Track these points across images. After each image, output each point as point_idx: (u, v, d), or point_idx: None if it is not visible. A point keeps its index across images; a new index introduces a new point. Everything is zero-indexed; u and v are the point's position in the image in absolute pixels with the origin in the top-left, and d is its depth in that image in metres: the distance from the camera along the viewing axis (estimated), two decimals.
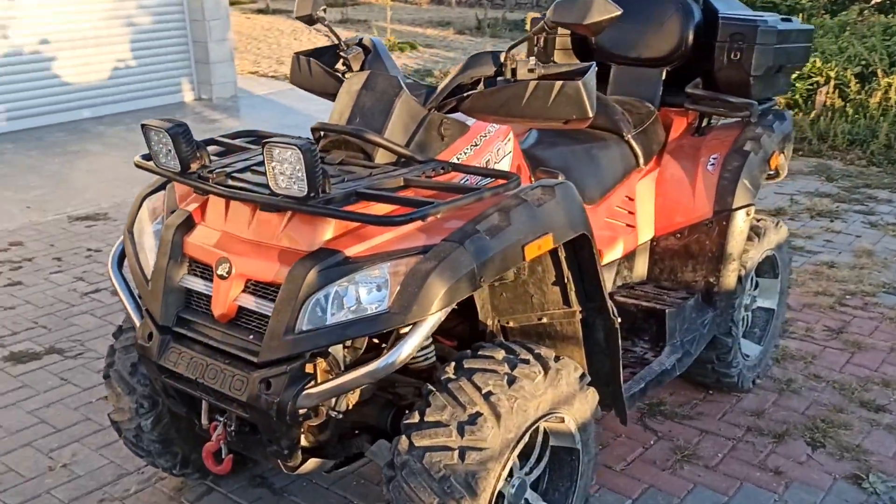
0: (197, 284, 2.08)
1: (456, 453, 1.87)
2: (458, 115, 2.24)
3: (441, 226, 1.91)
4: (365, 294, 1.86)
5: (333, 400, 2.00)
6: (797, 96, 7.62)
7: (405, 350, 1.85)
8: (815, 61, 7.67)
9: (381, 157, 2.11)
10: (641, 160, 2.99)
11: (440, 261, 1.82)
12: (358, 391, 2.08)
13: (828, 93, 7.44)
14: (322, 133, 2.19)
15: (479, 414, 1.90)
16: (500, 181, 2.05)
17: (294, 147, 1.78)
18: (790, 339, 3.74)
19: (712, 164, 2.98)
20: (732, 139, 3.06)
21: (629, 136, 2.96)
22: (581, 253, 2.18)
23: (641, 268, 3.04)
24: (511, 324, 2.32)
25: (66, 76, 7.96)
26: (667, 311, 2.79)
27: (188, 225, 2.10)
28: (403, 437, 1.94)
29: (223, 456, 2.16)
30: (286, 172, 1.82)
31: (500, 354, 2.02)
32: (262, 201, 1.91)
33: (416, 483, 1.88)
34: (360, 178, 1.99)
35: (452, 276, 1.82)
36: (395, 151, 2.10)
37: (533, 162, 2.62)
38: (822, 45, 8.34)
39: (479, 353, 2.05)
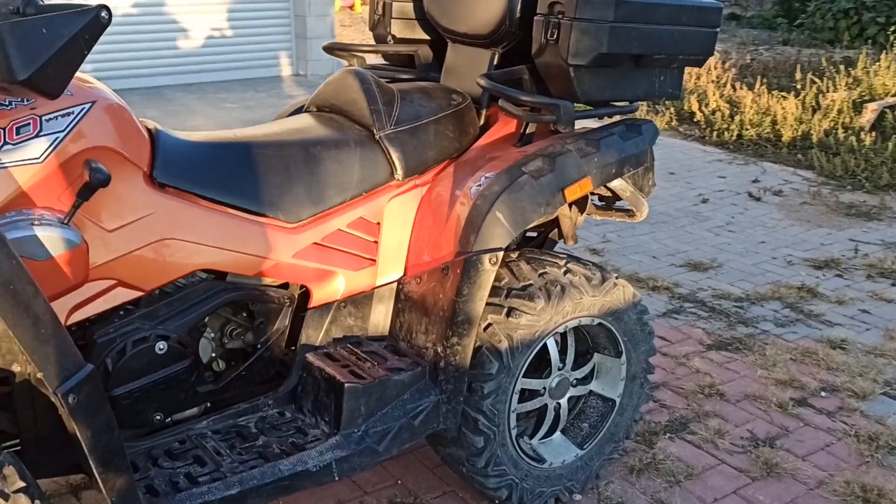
0: None
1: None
2: None
3: None
4: None
5: None
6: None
7: None
8: None
9: None
10: (399, 172, 2.17)
11: None
12: None
13: None
14: None
15: (531, 285, 2.14)
16: None
17: None
18: (680, 439, 2.71)
19: (478, 187, 2.10)
20: (525, 154, 2.16)
21: (381, 134, 2.16)
22: None
23: (380, 318, 2.22)
24: None
25: (162, 42, 7.99)
26: (346, 385, 1.98)
27: None
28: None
29: None
30: None
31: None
32: None
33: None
34: None
35: None
36: None
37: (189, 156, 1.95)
38: None
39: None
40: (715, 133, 6.64)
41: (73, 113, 1.75)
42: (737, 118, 6.67)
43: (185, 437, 1.97)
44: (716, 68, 8.00)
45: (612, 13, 2.08)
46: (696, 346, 3.37)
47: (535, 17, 2.16)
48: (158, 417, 1.94)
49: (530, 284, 2.16)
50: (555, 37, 2.11)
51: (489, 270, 2.02)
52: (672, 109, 7.04)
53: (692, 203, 5.24)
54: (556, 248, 2.68)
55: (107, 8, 1.70)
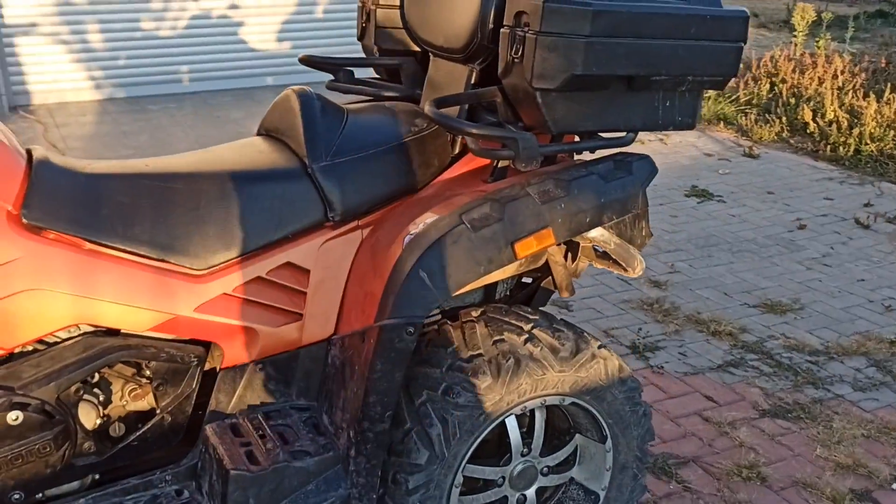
0: None
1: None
2: None
3: None
4: None
5: None
6: None
7: None
8: None
9: None
10: (334, 211, 1.83)
11: None
12: None
13: None
14: None
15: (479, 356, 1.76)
16: None
17: None
18: None
19: (410, 237, 1.73)
20: (480, 195, 1.77)
21: (314, 167, 1.83)
22: None
23: (308, 382, 1.88)
24: None
25: (255, 43, 7.94)
26: (231, 472, 1.65)
27: None
28: None
29: None
30: None
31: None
32: None
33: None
34: None
35: None
36: None
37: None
38: None
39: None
40: (829, 147, 5.93)
41: None
42: (856, 130, 5.92)
43: None
44: (842, 73, 7.20)
45: (587, 26, 1.66)
46: (748, 412, 2.86)
47: (501, 30, 1.77)
48: (17, 496, 1.68)
49: (478, 355, 1.77)
50: (519, 54, 1.72)
51: (406, 343, 1.65)
52: (784, 119, 6.35)
53: (786, 229, 4.62)
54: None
55: None
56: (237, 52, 7.96)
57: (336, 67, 2.35)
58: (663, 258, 4.16)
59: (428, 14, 2.08)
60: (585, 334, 1.93)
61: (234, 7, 7.82)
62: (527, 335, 1.81)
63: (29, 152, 1.76)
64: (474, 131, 1.73)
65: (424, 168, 1.94)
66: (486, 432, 1.79)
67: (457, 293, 1.72)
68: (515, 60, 1.72)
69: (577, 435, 2.00)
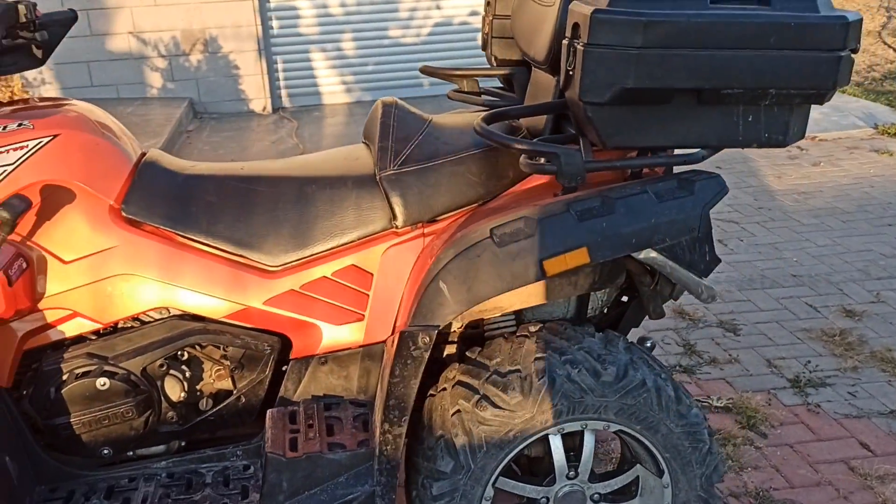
0: None
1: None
2: None
3: None
4: None
5: None
6: None
7: None
8: None
9: None
10: (399, 218, 1.91)
11: None
12: None
13: None
14: None
15: (515, 371, 1.77)
16: None
17: None
18: None
19: (445, 248, 1.74)
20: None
21: (382, 175, 1.92)
22: None
23: (368, 380, 1.96)
24: None
25: (442, 53, 8.08)
26: (268, 455, 1.78)
27: None
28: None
29: None
30: None
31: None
32: None
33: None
34: None
35: None
36: None
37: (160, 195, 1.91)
38: None
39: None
40: None
41: (26, 147, 1.79)
42: None
43: (138, 474, 1.94)
44: None
45: (639, 37, 1.59)
46: None
47: (563, 42, 1.74)
48: (106, 451, 1.93)
49: (515, 371, 1.76)
50: (573, 66, 1.68)
51: (421, 351, 1.68)
52: None
53: None
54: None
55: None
56: (475, 57, 8.20)
57: (457, 77, 2.42)
58: (870, 285, 3.74)
59: (524, 24, 2.09)
60: (642, 360, 1.83)
61: (474, 14, 8.08)
62: (570, 356, 1.76)
63: (143, 154, 2.01)
64: (516, 145, 1.72)
65: (496, 179, 1.94)
66: (518, 449, 1.77)
67: (473, 305, 1.71)
68: (570, 73, 1.68)
69: (638, 465, 1.91)
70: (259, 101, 7.63)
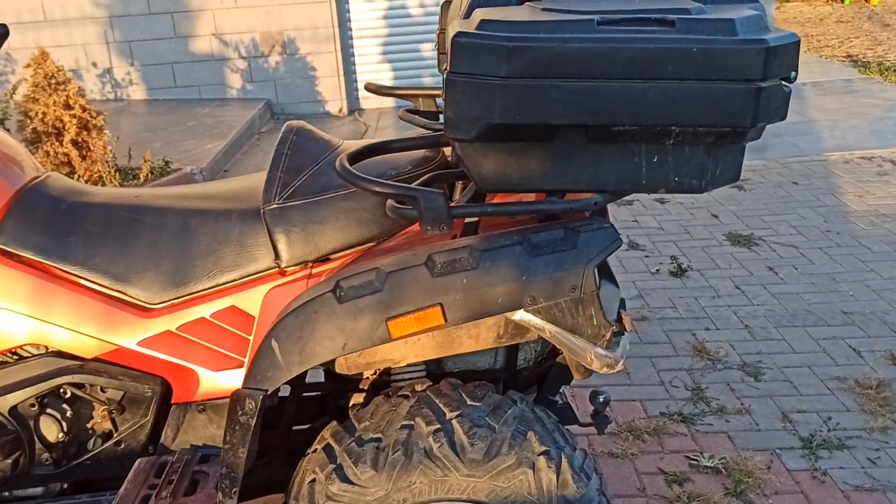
0: None
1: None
2: None
3: None
4: None
5: None
6: None
7: None
8: None
9: None
10: (283, 257, 1.74)
11: None
12: None
13: None
14: None
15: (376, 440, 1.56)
16: None
17: None
18: None
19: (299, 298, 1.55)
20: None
21: (265, 209, 1.75)
22: None
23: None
24: None
25: None
26: None
27: None
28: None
29: None
30: None
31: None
32: None
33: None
34: None
35: None
36: None
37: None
38: None
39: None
40: None
41: None
42: None
43: None
44: None
45: (503, 65, 1.35)
46: None
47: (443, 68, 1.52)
48: None
49: (375, 440, 1.55)
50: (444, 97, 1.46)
51: (248, 417, 1.50)
52: None
53: None
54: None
55: None
56: None
57: (400, 96, 2.22)
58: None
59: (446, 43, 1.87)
60: (537, 432, 1.58)
61: None
62: (438, 425, 1.54)
63: (35, 178, 1.91)
64: (374, 188, 1.50)
65: (392, 217, 1.74)
66: None
67: (307, 368, 1.51)
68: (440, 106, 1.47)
69: None
70: (335, 102, 7.61)
